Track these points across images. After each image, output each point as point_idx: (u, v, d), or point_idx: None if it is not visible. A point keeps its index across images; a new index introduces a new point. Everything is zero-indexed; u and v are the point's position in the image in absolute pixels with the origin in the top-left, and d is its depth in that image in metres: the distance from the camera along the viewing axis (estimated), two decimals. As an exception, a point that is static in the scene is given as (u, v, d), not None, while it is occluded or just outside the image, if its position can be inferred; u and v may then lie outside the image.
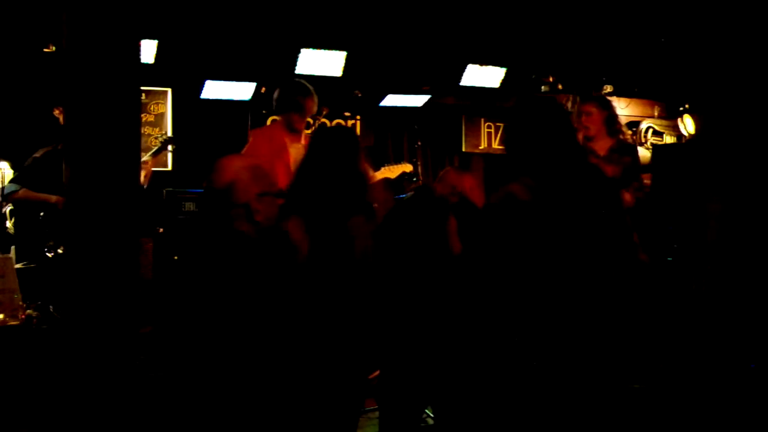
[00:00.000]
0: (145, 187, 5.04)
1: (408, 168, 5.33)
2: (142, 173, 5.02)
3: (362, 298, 2.69)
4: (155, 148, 5.33)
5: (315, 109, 4.53)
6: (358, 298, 2.68)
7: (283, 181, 4.16)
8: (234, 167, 2.49)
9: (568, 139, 2.66)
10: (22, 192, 4.67)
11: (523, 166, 2.60)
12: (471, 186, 3.46)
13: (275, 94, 4.55)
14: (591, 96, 4.66)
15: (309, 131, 5.01)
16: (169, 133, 6.26)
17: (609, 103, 4.58)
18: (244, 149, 4.44)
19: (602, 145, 4.41)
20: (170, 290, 2.48)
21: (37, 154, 4.77)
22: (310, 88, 4.49)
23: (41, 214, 4.62)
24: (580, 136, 4.30)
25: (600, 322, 2.51)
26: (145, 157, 5.09)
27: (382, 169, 5.17)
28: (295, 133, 4.52)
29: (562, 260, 2.49)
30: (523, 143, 2.65)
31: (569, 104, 7.15)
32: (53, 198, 4.58)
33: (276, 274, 2.48)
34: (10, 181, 4.80)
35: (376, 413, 3.29)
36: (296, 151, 4.40)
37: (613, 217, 2.59)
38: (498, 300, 2.68)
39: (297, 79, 4.59)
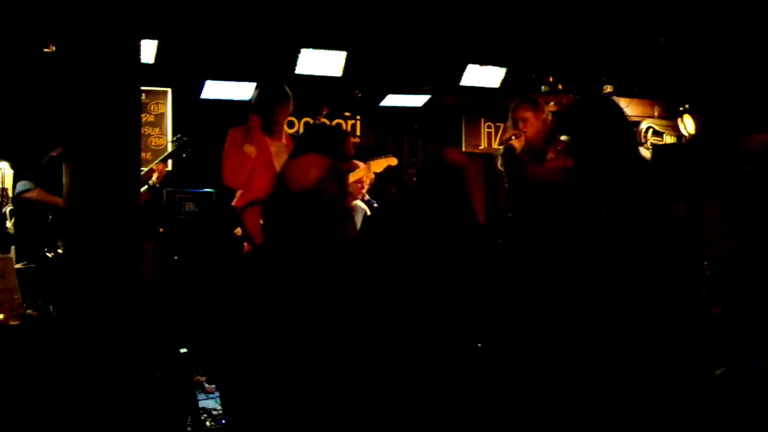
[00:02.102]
0: (157, 186, 5.08)
1: (393, 161, 5.33)
2: (155, 174, 5.04)
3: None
4: (168, 152, 5.33)
5: (291, 109, 4.59)
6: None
7: (265, 180, 4.17)
8: (317, 165, 2.38)
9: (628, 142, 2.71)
10: (36, 192, 4.59)
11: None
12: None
13: (254, 93, 4.62)
14: (524, 100, 4.54)
15: (292, 130, 5.12)
16: (170, 135, 6.22)
17: (541, 104, 4.51)
18: (225, 148, 4.50)
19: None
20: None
21: (53, 153, 4.70)
22: (288, 92, 4.54)
23: (50, 217, 4.58)
24: (521, 142, 4.28)
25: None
26: (158, 161, 5.13)
27: (369, 163, 5.18)
28: (274, 132, 4.57)
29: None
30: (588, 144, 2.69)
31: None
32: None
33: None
34: (24, 179, 4.69)
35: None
36: (276, 149, 4.49)
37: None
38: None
39: (276, 81, 4.63)
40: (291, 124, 7.17)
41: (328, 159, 2.44)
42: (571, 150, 2.82)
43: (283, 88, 4.55)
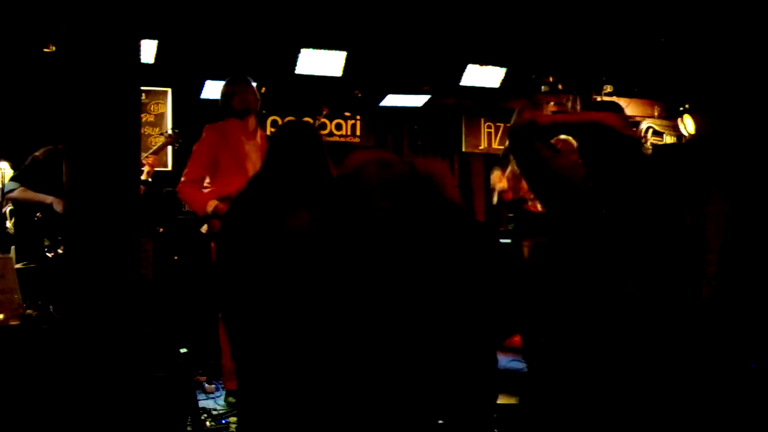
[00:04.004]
0: (149, 180, 5.05)
1: None
2: (145, 169, 5.02)
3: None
4: (158, 145, 5.33)
5: (242, 99, 4.46)
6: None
7: (235, 177, 4.16)
8: (367, 154, 2.49)
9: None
10: (19, 191, 4.65)
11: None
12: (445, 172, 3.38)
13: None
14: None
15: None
16: (169, 130, 6.22)
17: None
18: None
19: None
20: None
21: (37, 153, 4.76)
22: (238, 81, 4.47)
23: (37, 214, 4.60)
24: None
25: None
26: (147, 154, 5.10)
27: None
28: (243, 130, 4.49)
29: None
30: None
31: (569, 104, 7.15)
32: (48, 199, 4.56)
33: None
34: (10, 180, 4.79)
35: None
36: (249, 147, 4.42)
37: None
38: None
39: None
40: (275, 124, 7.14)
41: (384, 153, 2.51)
42: (580, 153, 2.82)
43: (236, 77, 4.50)
